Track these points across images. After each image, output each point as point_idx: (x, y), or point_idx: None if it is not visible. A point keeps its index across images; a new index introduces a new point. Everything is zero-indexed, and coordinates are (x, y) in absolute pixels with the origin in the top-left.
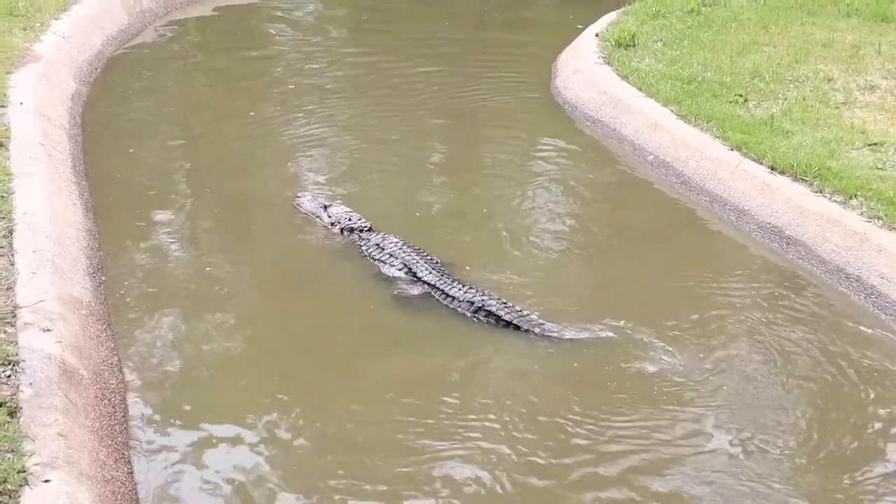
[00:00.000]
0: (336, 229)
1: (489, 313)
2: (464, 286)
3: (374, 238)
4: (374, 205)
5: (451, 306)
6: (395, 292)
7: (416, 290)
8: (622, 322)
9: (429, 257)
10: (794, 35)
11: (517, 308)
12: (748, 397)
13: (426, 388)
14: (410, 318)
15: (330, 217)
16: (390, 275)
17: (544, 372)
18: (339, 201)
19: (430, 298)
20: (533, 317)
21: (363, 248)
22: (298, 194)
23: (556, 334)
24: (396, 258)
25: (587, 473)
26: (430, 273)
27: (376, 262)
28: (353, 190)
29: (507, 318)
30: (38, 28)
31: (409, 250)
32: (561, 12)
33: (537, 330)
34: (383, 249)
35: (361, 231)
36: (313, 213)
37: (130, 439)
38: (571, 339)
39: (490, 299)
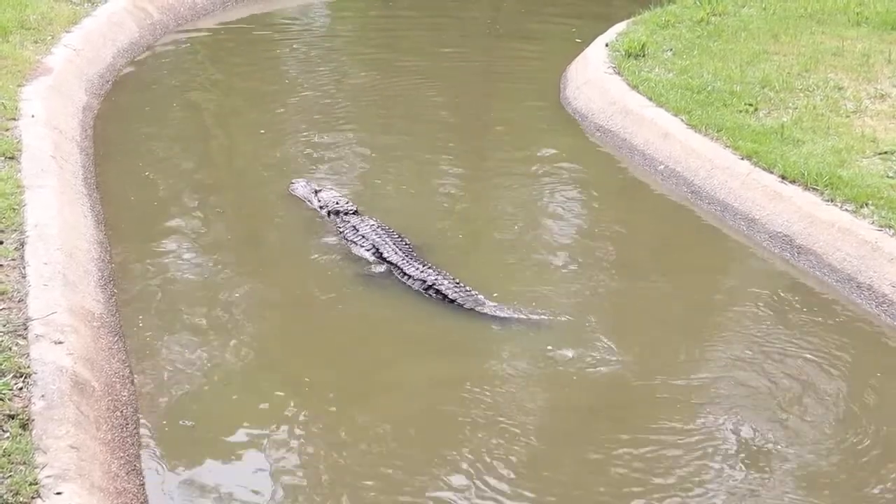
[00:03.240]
0: (323, 212)
1: (438, 291)
2: (422, 266)
3: (353, 220)
4: (389, 219)
5: (407, 283)
6: (363, 270)
7: (380, 269)
8: (634, 333)
9: (401, 239)
10: (804, 44)
11: (466, 287)
12: (759, 407)
13: (451, 394)
14: (431, 326)
15: (319, 201)
16: (359, 254)
17: (571, 379)
18: (329, 186)
19: (392, 276)
20: (479, 297)
21: (341, 229)
22: (293, 180)
23: (495, 313)
24: (367, 239)
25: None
26: (395, 253)
27: (349, 243)
28: (366, 203)
29: (452, 296)
30: (50, 41)
31: (381, 232)
32: (570, 24)
33: (479, 308)
34: (357, 231)
35: (346, 214)
36: (304, 198)
37: (142, 451)
38: (507, 318)
39: (444, 279)
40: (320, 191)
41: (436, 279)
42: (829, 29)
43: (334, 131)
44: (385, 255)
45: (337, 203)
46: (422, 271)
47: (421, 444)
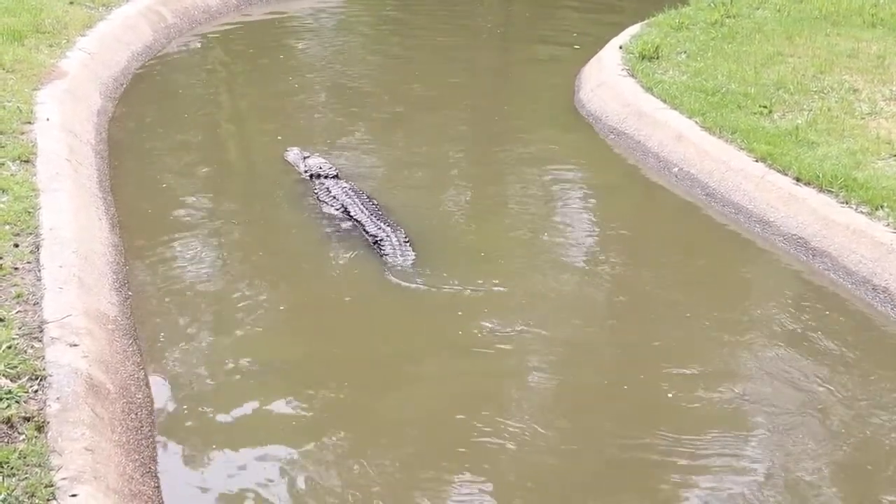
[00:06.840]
0: (306, 175)
1: (377, 242)
2: (381, 224)
3: (329, 183)
4: (403, 218)
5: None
6: (328, 230)
7: (345, 225)
8: (646, 337)
9: (370, 202)
10: (819, 46)
11: (408, 246)
12: (774, 412)
13: (475, 394)
14: (449, 329)
15: (306, 167)
16: (329, 213)
17: (591, 382)
18: (317, 154)
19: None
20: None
21: (316, 191)
22: (288, 148)
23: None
24: (337, 199)
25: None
26: (361, 212)
27: (321, 203)
28: (383, 202)
29: (387, 251)
30: (64, 45)
31: (352, 193)
32: (581, 28)
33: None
34: (330, 191)
35: (327, 177)
36: (294, 163)
37: (157, 453)
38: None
39: (393, 233)
40: (308, 157)
41: (386, 235)
42: (843, 30)
43: (349, 135)
44: (352, 213)
45: (320, 168)
46: (379, 227)
47: (441, 440)
